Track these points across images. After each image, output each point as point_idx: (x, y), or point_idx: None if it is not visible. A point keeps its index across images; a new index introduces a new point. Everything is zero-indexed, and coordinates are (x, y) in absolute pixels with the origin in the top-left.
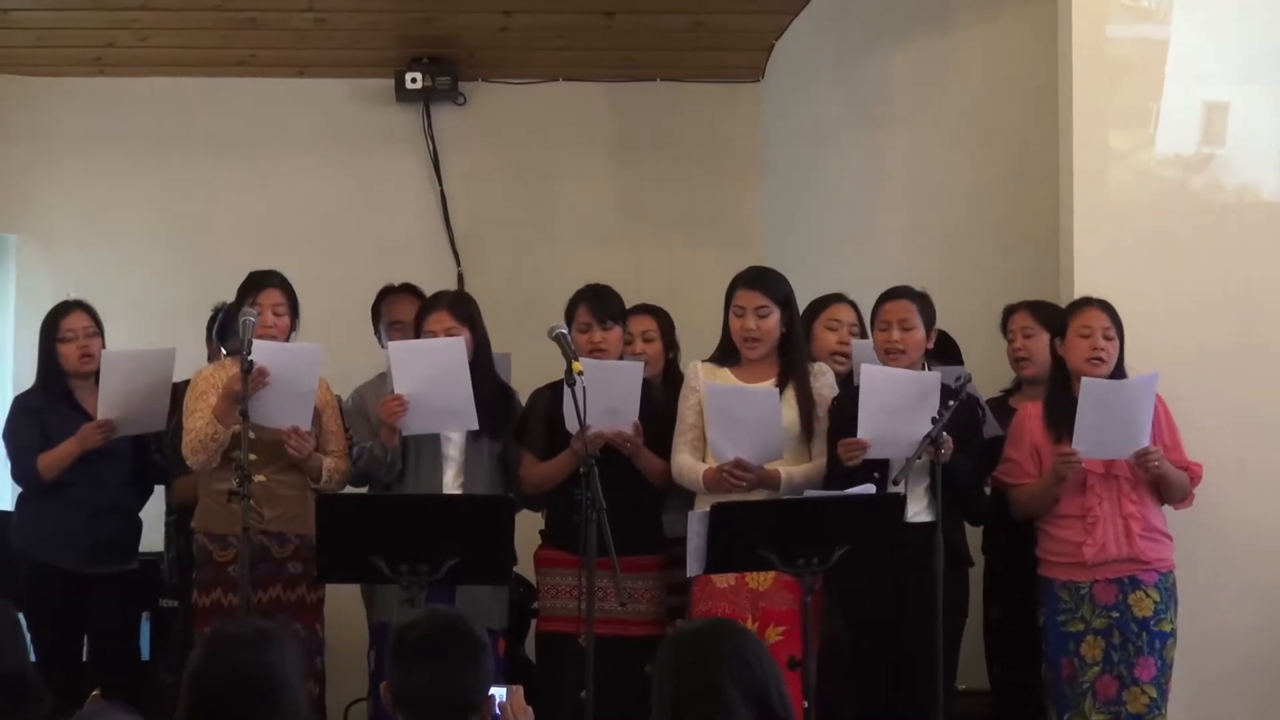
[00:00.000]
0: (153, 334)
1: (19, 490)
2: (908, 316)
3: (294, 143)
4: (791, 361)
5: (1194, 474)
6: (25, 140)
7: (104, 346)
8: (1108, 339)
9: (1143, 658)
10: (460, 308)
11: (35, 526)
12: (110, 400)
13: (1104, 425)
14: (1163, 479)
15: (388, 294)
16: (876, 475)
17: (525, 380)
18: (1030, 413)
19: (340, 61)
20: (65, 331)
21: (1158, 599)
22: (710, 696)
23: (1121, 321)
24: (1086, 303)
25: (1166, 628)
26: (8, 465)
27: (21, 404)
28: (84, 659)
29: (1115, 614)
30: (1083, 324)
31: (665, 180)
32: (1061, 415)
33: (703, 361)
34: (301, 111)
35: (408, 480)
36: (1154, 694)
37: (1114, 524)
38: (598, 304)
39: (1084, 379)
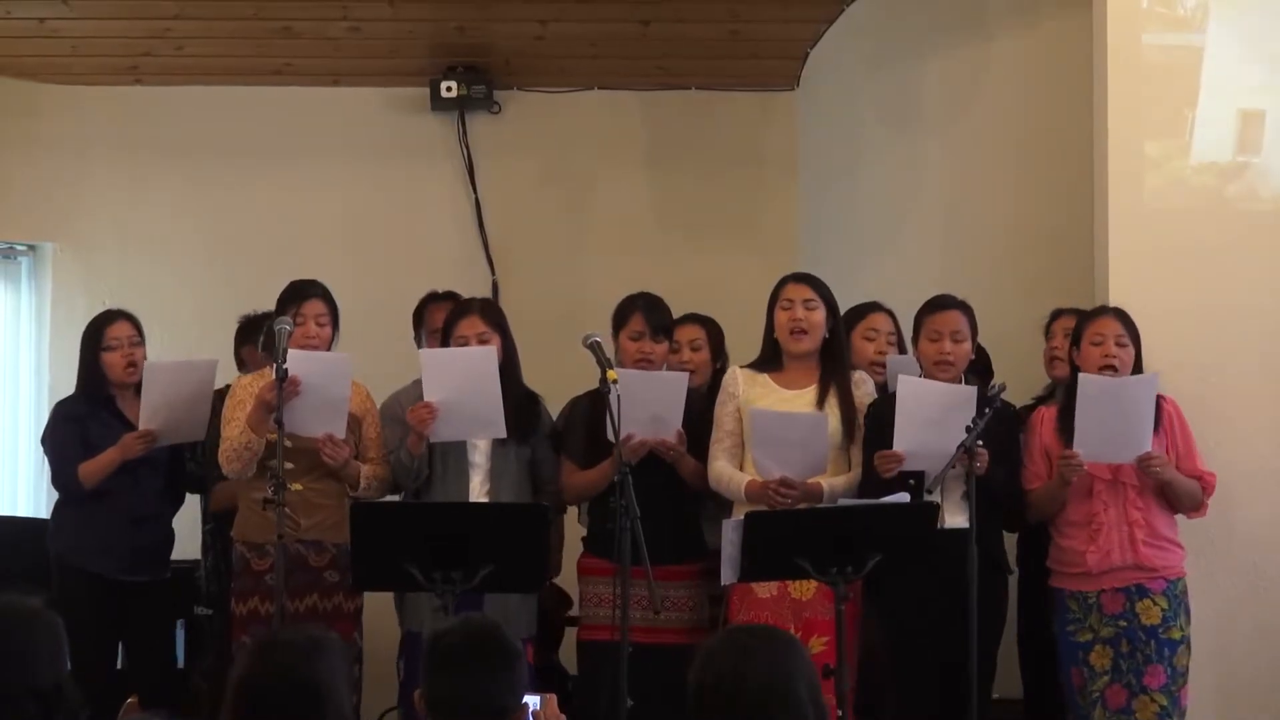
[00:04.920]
0: (187, 342)
1: (56, 496)
2: (960, 328)
3: (329, 151)
4: (834, 367)
5: (1206, 483)
6: (61, 149)
7: (146, 355)
8: (1120, 345)
9: (1151, 666)
10: (491, 313)
11: (74, 533)
12: (152, 410)
13: (1104, 426)
14: (1170, 486)
15: (431, 301)
16: (911, 483)
17: (559, 389)
18: (1043, 416)
19: (375, 70)
20: (110, 340)
21: (1165, 607)
22: (751, 702)
23: (1137, 329)
24: (1100, 311)
25: (1176, 635)
26: (41, 472)
27: (63, 411)
28: (119, 666)
29: (1123, 623)
30: (1095, 332)
31: (700, 188)
32: (1073, 422)
33: (741, 368)
34: (337, 120)
35: (434, 487)
36: (1164, 702)
37: (1119, 531)
38: (653, 314)
39: (1081, 375)
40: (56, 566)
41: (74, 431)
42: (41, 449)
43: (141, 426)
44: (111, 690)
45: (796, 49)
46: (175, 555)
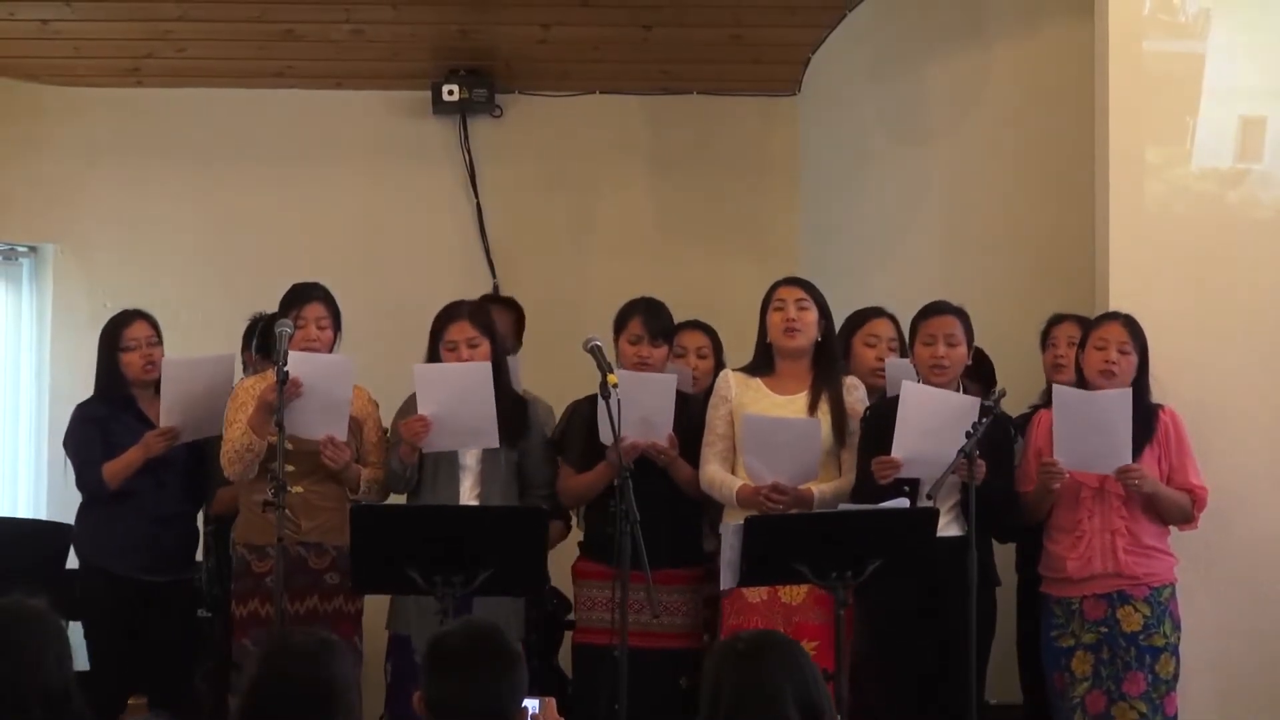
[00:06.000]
0: (188, 345)
1: (55, 498)
2: (954, 332)
3: (331, 154)
4: (826, 371)
5: (1197, 497)
6: (63, 150)
7: (164, 355)
8: (1122, 353)
9: (1131, 673)
10: (480, 317)
11: (98, 534)
12: (171, 406)
13: (1081, 436)
14: (1154, 498)
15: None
16: (907, 489)
17: (560, 393)
18: (1042, 419)
19: (377, 73)
20: (128, 341)
21: (1148, 613)
22: (768, 705)
23: (1145, 337)
24: (1108, 317)
25: (1159, 642)
26: (41, 473)
27: (84, 413)
28: (139, 666)
29: (1104, 629)
30: (1100, 337)
31: (702, 193)
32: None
33: (734, 371)
34: (338, 123)
35: (424, 490)
36: (1144, 709)
37: (1101, 539)
38: (652, 318)
39: (1055, 386)
40: (81, 568)
41: (95, 433)
42: (64, 451)
43: (162, 423)
44: (128, 690)
45: (798, 54)
46: None
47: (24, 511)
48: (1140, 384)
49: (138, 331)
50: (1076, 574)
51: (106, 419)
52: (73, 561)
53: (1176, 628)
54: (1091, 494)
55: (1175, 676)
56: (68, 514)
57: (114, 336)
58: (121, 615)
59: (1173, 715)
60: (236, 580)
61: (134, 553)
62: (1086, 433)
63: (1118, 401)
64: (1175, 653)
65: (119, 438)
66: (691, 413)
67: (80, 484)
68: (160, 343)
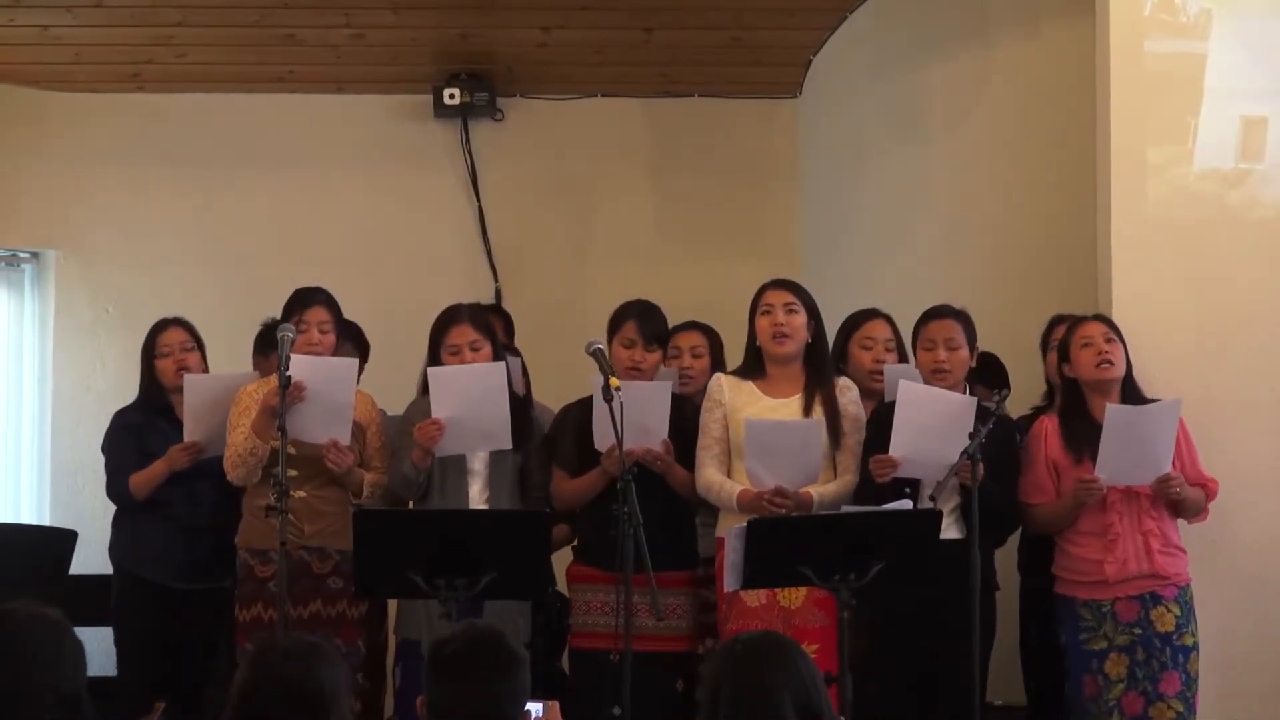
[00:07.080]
0: None
1: (57, 503)
2: (953, 336)
3: (332, 159)
4: (818, 373)
5: (1210, 490)
6: (64, 156)
7: (204, 360)
8: (1109, 342)
9: (1167, 673)
10: (480, 319)
11: (132, 541)
12: (194, 421)
13: (1127, 452)
14: (1181, 501)
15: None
16: (908, 491)
17: (561, 396)
18: (1046, 428)
19: (378, 77)
20: (162, 347)
21: (1179, 613)
22: (766, 707)
23: (1120, 329)
24: (1079, 320)
25: (1189, 641)
26: (43, 479)
27: (121, 420)
28: (167, 673)
29: (1138, 630)
30: (1082, 337)
31: (703, 196)
32: (1079, 436)
33: (726, 375)
34: (340, 127)
35: (433, 494)
36: (1180, 708)
37: (1134, 540)
38: (646, 323)
39: (1109, 406)
40: (115, 573)
41: (129, 441)
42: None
43: (186, 438)
44: (153, 696)
45: (799, 56)
46: None
47: (27, 517)
48: (1129, 374)
49: (171, 337)
50: (1114, 577)
51: (142, 426)
52: (105, 567)
53: (1197, 626)
54: (1120, 496)
55: (1198, 674)
56: (71, 520)
57: (150, 344)
58: (152, 621)
59: (1197, 713)
60: (240, 585)
61: (166, 561)
62: (1132, 447)
63: (1168, 413)
64: (1199, 651)
65: (153, 445)
66: (685, 415)
67: (109, 491)
68: (196, 349)
